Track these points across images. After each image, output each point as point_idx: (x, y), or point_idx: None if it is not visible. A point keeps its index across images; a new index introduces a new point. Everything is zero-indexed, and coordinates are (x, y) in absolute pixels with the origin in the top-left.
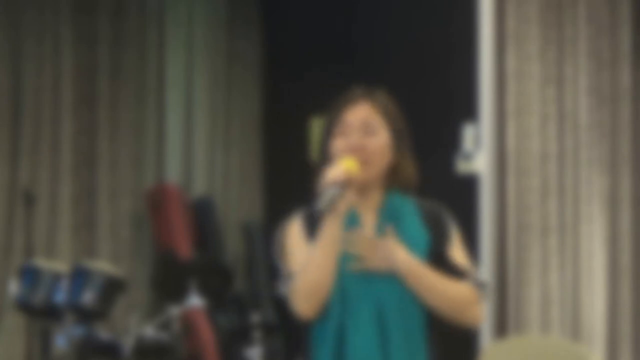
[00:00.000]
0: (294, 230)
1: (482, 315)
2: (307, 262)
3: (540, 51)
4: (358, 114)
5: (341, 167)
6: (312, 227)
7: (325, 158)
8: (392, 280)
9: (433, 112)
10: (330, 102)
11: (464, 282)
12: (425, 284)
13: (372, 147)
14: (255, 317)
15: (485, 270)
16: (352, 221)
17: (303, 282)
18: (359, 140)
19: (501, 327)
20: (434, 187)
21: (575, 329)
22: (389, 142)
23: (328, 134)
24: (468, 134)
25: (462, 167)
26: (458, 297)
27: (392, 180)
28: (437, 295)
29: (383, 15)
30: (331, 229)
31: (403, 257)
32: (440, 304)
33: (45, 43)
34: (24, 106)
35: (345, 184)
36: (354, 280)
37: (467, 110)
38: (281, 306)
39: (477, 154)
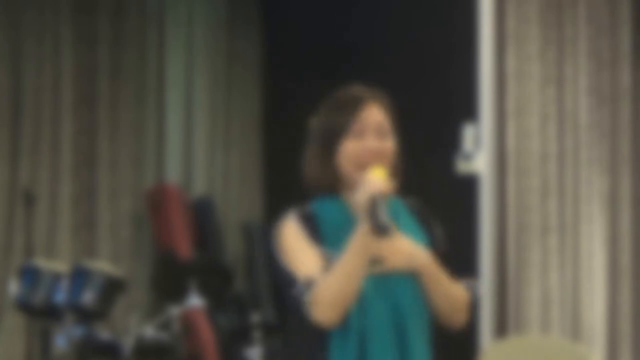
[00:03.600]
0: (292, 231)
1: (466, 321)
2: (334, 270)
3: (540, 51)
4: (373, 116)
5: (379, 178)
6: (311, 227)
7: (331, 160)
8: (404, 280)
9: (433, 112)
10: (324, 101)
11: (460, 283)
12: (438, 282)
13: (387, 151)
14: (255, 317)
15: (485, 271)
16: (348, 221)
17: (330, 292)
18: (375, 144)
19: (501, 327)
20: (434, 187)
21: (575, 329)
22: (395, 146)
23: (337, 134)
24: (468, 134)
25: (462, 167)
26: (458, 297)
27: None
28: (444, 294)
29: (383, 15)
30: (362, 236)
31: (422, 255)
32: (443, 303)
33: (45, 43)
34: (24, 106)
35: (388, 194)
36: (368, 281)
37: (467, 110)
38: (280, 307)
39: (477, 154)
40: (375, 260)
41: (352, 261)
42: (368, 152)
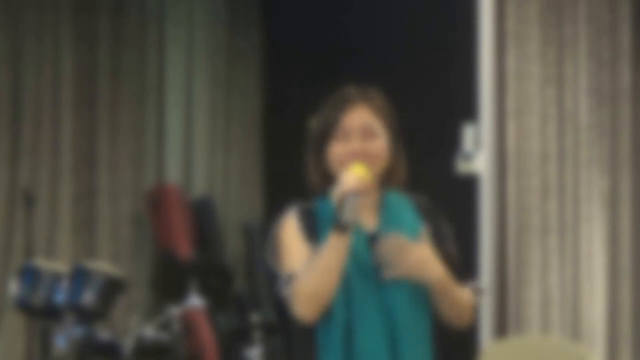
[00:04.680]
0: (290, 227)
1: (471, 322)
2: (312, 265)
3: (540, 51)
4: (358, 118)
5: (355, 175)
6: (309, 224)
7: (321, 161)
8: (401, 281)
9: (433, 112)
10: (323, 102)
11: (466, 287)
12: (449, 293)
13: (373, 152)
14: (255, 317)
15: (485, 271)
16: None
17: (306, 286)
18: (360, 145)
19: (501, 327)
20: (434, 187)
21: (575, 329)
22: (387, 144)
23: (325, 137)
24: (468, 134)
25: (462, 167)
26: (465, 304)
27: (388, 180)
28: (453, 303)
29: (383, 15)
30: (343, 234)
31: (437, 270)
32: (451, 311)
33: (45, 43)
34: (24, 106)
35: (362, 191)
36: (359, 280)
37: (467, 110)
38: (279, 306)
39: (477, 154)
40: (382, 264)
41: (327, 257)
42: (350, 153)
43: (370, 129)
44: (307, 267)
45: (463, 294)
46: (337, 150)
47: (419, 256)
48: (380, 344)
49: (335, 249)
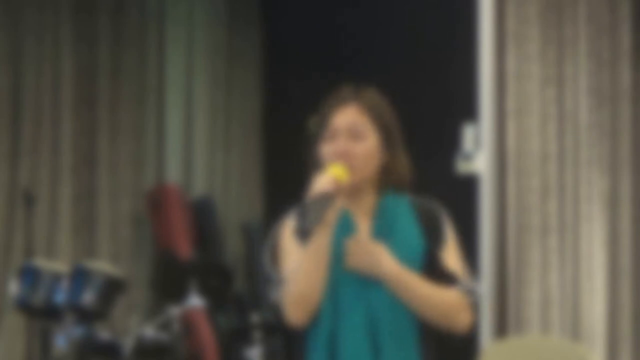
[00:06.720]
0: (286, 233)
1: (470, 323)
2: (297, 270)
3: (540, 51)
4: (345, 118)
5: (329, 176)
6: (305, 229)
7: (315, 162)
8: (384, 285)
9: (433, 112)
10: (322, 103)
11: (453, 288)
12: (411, 291)
13: (357, 153)
14: (255, 317)
15: (485, 271)
16: (345, 225)
17: (292, 290)
18: (344, 145)
19: (501, 327)
20: (434, 187)
21: (575, 329)
22: (377, 144)
23: (317, 137)
24: (468, 134)
25: (462, 167)
26: (444, 304)
27: (385, 180)
28: (423, 302)
29: (384, 15)
30: (321, 236)
31: (388, 265)
32: (425, 311)
33: (45, 43)
34: (24, 106)
35: (334, 193)
36: (347, 286)
37: (467, 110)
38: (278, 308)
39: (477, 154)
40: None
41: (310, 260)
42: (336, 153)
43: (357, 129)
44: (294, 272)
45: (441, 293)
46: (325, 150)
47: (368, 250)
48: (363, 348)
49: (314, 253)
